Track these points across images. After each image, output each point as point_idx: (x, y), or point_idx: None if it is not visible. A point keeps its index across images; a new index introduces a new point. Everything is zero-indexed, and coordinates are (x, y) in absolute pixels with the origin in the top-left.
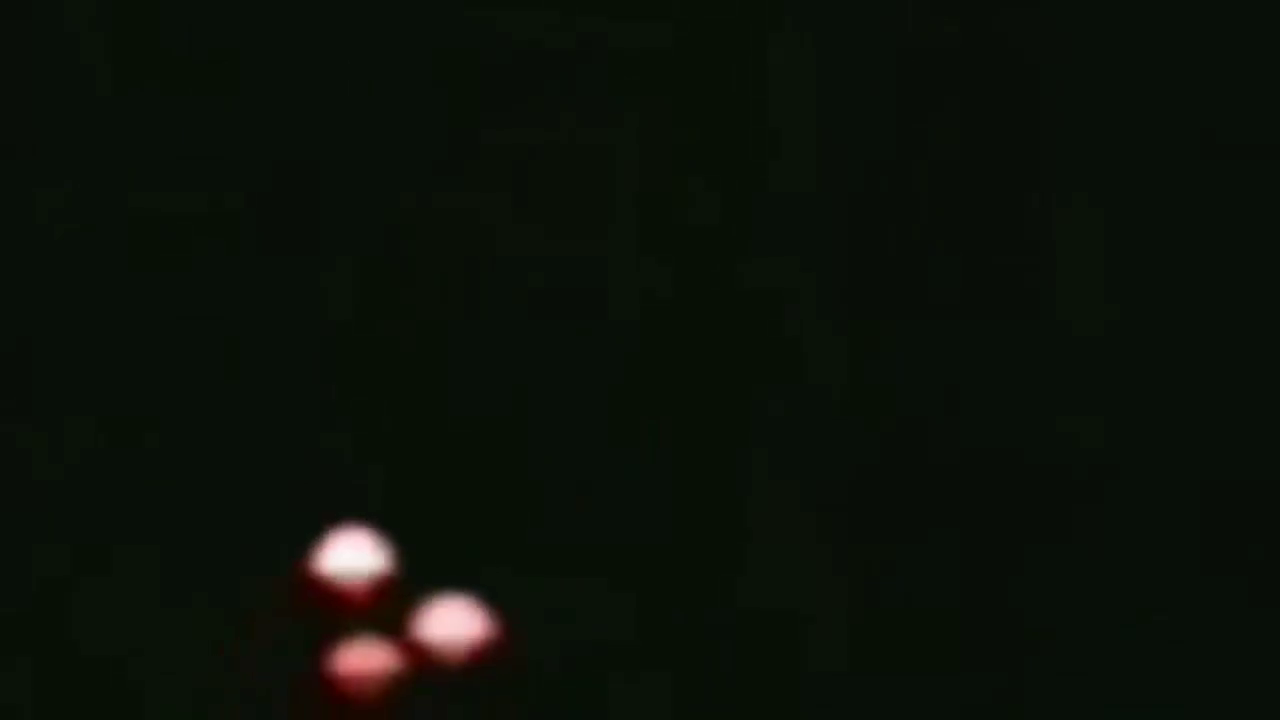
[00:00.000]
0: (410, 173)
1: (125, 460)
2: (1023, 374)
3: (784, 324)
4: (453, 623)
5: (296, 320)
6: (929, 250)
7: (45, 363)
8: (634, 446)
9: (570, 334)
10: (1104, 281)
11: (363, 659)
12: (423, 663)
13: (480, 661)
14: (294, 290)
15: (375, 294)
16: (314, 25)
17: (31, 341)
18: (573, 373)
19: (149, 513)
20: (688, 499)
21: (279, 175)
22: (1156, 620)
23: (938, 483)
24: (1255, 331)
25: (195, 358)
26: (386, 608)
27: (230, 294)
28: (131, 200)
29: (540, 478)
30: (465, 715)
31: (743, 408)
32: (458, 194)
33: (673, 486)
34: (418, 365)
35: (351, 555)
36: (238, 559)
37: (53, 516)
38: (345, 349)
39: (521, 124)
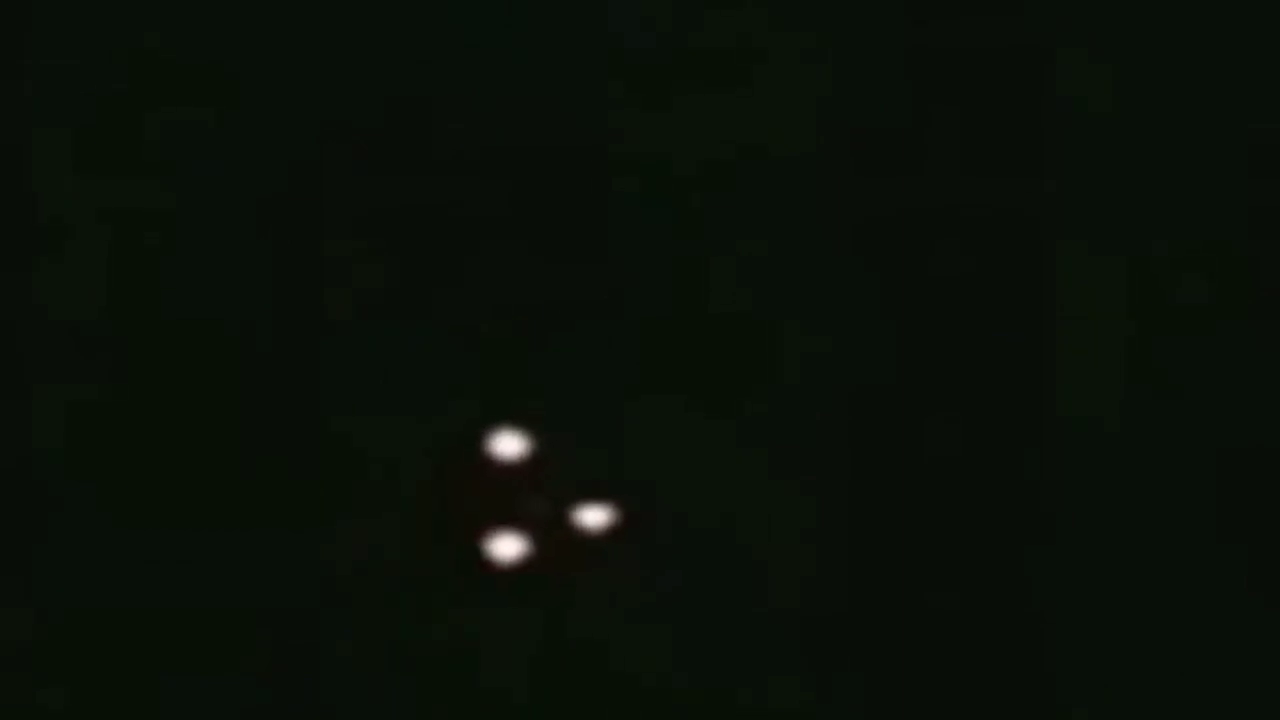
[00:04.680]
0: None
1: None
2: (1022, 372)
3: (786, 322)
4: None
5: None
6: (930, 251)
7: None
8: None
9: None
10: (1105, 279)
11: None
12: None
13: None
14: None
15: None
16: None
17: None
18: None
19: None
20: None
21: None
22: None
23: (935, 477)
24: (1258, 328)
25: None
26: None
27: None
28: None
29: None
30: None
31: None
32: (469, 196)
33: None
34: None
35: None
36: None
37: None
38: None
39: (520, 124)
